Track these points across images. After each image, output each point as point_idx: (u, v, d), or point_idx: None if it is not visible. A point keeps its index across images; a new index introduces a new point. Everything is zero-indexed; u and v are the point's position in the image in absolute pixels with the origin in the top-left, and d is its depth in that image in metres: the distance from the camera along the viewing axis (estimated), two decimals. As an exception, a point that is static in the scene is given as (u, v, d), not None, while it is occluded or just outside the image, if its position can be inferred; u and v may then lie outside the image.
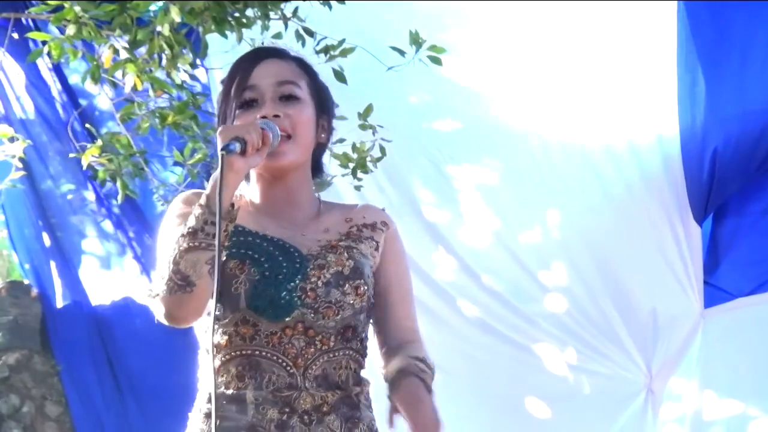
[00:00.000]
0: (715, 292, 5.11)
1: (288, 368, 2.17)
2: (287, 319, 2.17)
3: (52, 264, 5.44)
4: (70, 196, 5.44)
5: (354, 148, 4.54)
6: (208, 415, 2.17)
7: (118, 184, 4.61)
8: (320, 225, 2.33)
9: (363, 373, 2.29)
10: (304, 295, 2.18)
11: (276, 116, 2.24)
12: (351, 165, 4.57)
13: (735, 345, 5.07)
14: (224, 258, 2.15)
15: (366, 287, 2.25)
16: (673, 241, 5.08)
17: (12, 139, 4.76)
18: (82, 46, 4.48)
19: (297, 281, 2.19)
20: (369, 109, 4.52)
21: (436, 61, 4.44)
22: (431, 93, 5.18)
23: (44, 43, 4.55)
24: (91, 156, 4.63)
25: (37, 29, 4.97)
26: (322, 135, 2.37)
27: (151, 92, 4.42)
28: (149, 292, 2.13)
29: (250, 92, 2.28)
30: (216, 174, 2.08)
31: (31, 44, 5.12)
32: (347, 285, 2.22)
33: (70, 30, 4.26)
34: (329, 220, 2.34)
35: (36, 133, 5.33)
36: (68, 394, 5.25)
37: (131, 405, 5.27)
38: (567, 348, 5.20)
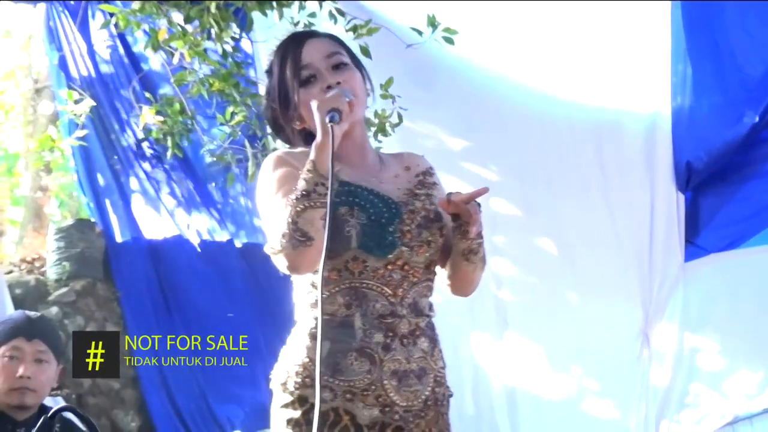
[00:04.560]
0: (693, 249, 5.41)
1: (390, 298, 2.42)
2: (390, 256, 2.43)
3: (114, 204, 5.87)
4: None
5: (376, 114, 4.97)
6: (314, 336, 2.35)
7: (169, 142, 5.12)
8: (388, 173, 2.56)
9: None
10: (403, 236, 2.44)
11: (338, 83, 2.46)
12: (373, 129, 4.98)
13: (710, 293, 5.39)
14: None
15: (445, 228, 2.50)
16: (663, 204, 5.38)
17: (79, 101, 5.24)
18: (144, 19, 4.96)
19: (396, 224, 2.44)
20: (390, 81, 4.88)
21: (449, 41, 4.81)
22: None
23: (111, 14, 5.01)
24: (147, 116, 5.16)
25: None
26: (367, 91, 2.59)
27: (195, 64, 4.88)
28: (271, 249, 2.35)
29: (306, 70, 2.49)
30: (318, 141, 2.32)
31: (99, 15, 5.54)
32: (434, 226, 2.48)
33: (136, 5, 4.79)
34: (393, 168, 2.58)
35: (100, 93, 5.70)
36: (126, 316, 5.75)
37: (179, 325, 5.71)
38: (569, 292, 5.49)
